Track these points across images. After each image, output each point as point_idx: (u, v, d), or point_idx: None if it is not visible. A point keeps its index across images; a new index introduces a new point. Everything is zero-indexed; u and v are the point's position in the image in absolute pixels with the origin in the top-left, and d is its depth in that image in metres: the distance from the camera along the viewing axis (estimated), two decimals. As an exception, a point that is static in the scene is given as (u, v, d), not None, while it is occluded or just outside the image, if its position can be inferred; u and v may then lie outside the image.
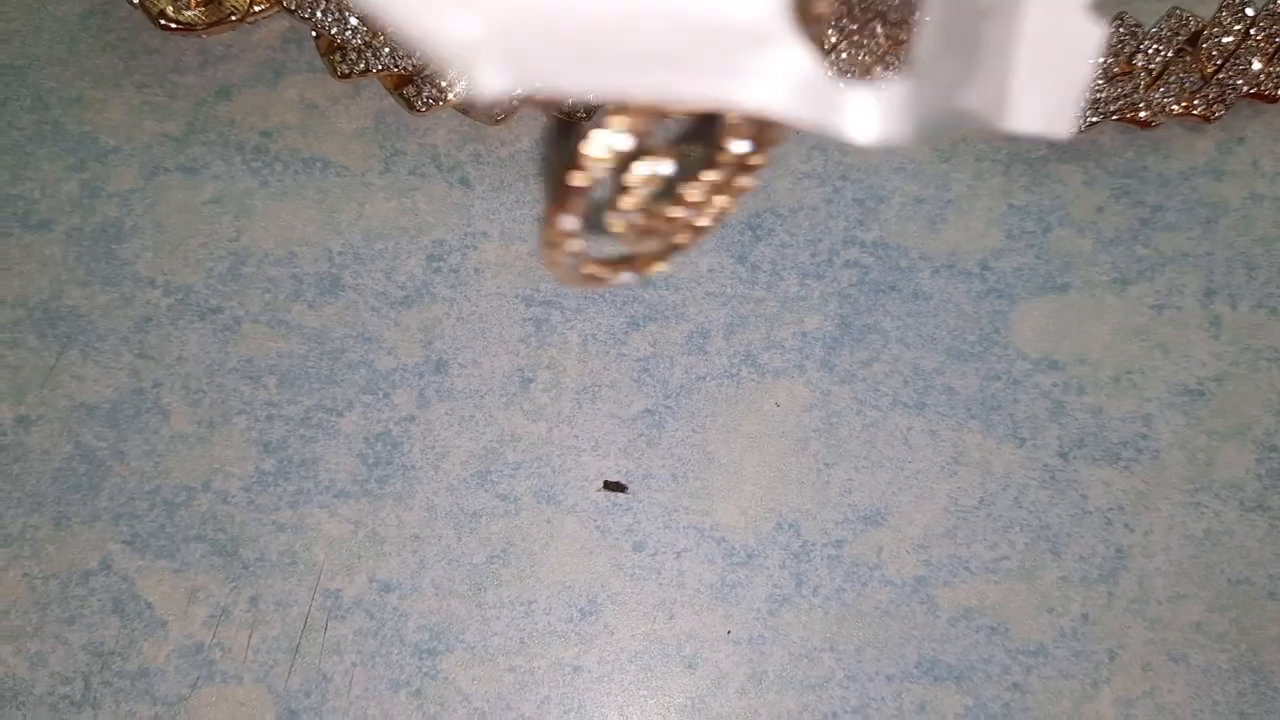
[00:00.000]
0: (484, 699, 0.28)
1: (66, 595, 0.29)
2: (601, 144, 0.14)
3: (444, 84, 0.29)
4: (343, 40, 0.30)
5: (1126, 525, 0.30)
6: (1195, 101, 0.32)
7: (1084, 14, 0.13)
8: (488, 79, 0.12)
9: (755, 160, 0.16)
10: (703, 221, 0.17)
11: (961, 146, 0.32)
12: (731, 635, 0.29)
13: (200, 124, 0.31)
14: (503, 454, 0.30)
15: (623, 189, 0.16)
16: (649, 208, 0.16)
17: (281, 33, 0.32)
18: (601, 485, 0.29)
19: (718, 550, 0.29)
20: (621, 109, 0.14)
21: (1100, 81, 0.31)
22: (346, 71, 0.30)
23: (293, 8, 0.30)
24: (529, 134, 0.31)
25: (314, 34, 0.31)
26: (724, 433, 0.30)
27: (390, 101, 0.31)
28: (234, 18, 0.31)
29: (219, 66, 0.32)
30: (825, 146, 0.32)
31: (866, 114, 0.13)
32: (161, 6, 0.31)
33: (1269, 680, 0.29)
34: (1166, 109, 0.32)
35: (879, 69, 0.17)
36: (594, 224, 0.16)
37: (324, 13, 0.30)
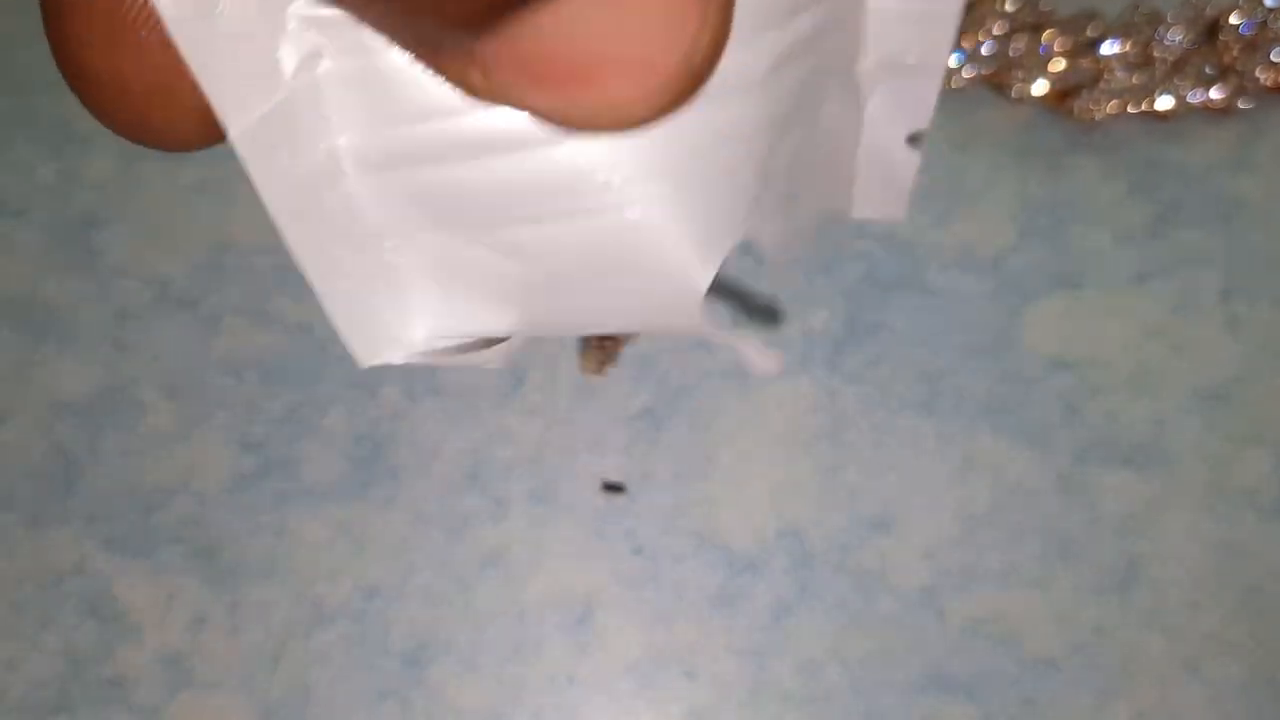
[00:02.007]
0: (474, 710, 0.28)
1: (41, 598, 0.29)
2: None
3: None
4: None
5: (1141, 533, 0.30)
6: (1214, 93, 0.32)
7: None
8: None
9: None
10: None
11: (976, 136, 0.32)
12: (733, 645, 0.29)
13: (182, 108, 0.31)
14: (495, 454, 0.29)
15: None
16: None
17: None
18: (601, 486, 0.29)
19: (719, 556, 0.29)
20: None
21: (1118, 71, 0.31)
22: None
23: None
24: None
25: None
26: (726, 434, 0.30)
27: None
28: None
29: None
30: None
31: None
32: (141, -16, 0.30)
33: (1287, 693, 0.28)
34: (1185, 100, 0.32)
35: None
36: None
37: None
